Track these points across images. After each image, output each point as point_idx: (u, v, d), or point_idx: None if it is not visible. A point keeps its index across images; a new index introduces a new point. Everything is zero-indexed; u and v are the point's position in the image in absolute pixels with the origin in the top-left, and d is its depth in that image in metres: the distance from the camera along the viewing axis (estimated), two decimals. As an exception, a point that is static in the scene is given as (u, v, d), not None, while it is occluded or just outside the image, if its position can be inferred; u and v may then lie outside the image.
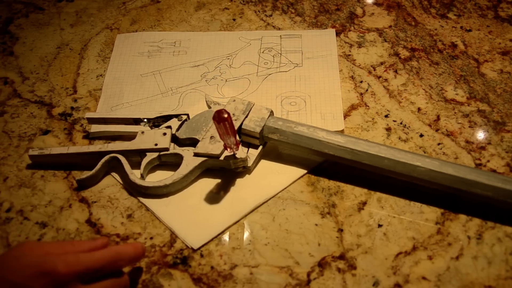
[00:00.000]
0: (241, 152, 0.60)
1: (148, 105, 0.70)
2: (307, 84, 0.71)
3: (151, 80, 0.73)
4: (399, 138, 0.65)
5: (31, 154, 0.63)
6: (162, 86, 0.72)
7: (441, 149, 0.63)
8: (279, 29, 0.80)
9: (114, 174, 0.62)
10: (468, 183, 0.55)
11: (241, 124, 0.62)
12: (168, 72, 0.74)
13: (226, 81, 0.73)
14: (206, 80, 0.73)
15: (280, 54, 0.75)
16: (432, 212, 0.57)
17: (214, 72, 0.74)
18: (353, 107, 0.69)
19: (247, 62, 0.75)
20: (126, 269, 0.54)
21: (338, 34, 0.79)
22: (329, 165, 0.62)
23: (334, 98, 0.69)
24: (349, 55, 0.76)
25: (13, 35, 0.80)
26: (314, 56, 0.75)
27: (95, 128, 0.67)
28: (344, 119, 0.67)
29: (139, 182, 0.59)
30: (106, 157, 0.61)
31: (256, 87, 0.71)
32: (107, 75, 0.74)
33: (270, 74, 0.73)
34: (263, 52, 0.76)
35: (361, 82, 0.72)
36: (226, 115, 0.54)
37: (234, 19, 0.82)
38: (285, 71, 0.73)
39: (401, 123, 0.67)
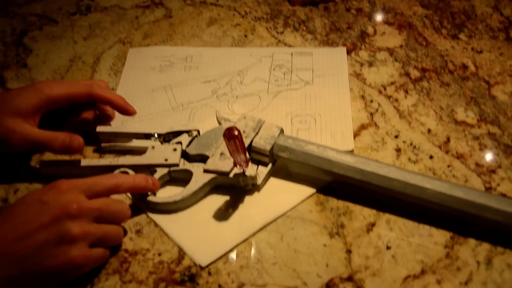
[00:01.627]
0: (251, 169, 0.60)
1: (159, 119, 0.70)
2: (317, 102, 0.71)
3: (162, 94, 0.73)
4: (409, 159, 0.65)
5: (42, 166, 0.63)
6: (173, 101, 0.73)
7: (450, 171, 0.63)
8: (290, 46, 0.80)
9: (124, 188, 0.62)
10: (477, 207, 0.55)
11: (251, 141, 0.62)
12: (179, 87, 0.74)
13: (236, 97, 0.73)
14: (217, 96, 0.73)
15: (291, 71, 0.76)
16: (441, 236, 0.57)
17: (225, 88, 0.74)
18: (363, 127, 0.69)
19: (258, 79, 0.75)
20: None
21: (349, 52, 0.79)
22: (338, 185, 0.62)
23: (344, 117, 0.69)
24: (360, 74, 0.76)
25: (27, 47, 0.81)
26: (324, 74, 0.75)
27: (105, 142, 0.67)
28: (354, 138, 0.67)
29: (149, 197, 0.60)
30: (116, 171, 0.61)
31: (267, 104, 0.71)
32: (119, 89, 0.74)
33: (280, 92, 0.73)
34: (274, 69, 0.76)
35: (372, 101, 0.72)
36: (236, 133, 0.54)
37: (245, 35, 0.82)
38: (296, 89, 0.73)
39: (411, 144, 0.66)
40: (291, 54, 0.78)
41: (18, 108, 0.59)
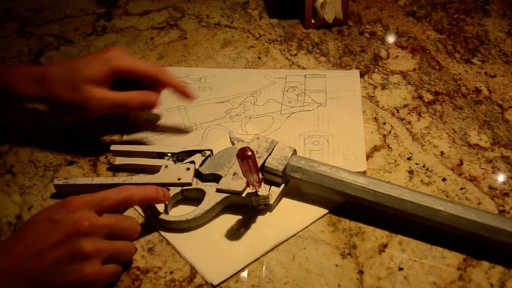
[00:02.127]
0: (263, 189, 0.61)
1: (172, 139, 0.72)
2: (330, 124, 0.73)
3: (176, 114, 0.75)
4: (422, 181, 0.66)
5: (56, 183, 0.64)
6: (186, 120, 0.75)
7: (463, 194, 0.64)
8: (304, 68, 0.82)
9: (136, 206, 0.64)
10: (491, 229, 0.56)
11: (264, 161, 0.63)
12: (193, 108, 0.76)
13: (250, 118, 0.75)
14: (230, 117, 0.75)
15: (304, 93, 0.77)
16: (454, 258, 0.58)
17: (238, 109, 0.76)
18: (375, 148, 0.70)
19: (271, 100, 0.77)
20: None
21: (362, 75, 0.80)
22: (351, 205, 0.63)
23: (357, 139, 0.70)
24: (373, 96, 0.77)
25: (43, 67, 0.84)
26: (338, 97, 0.76)
27: (119, 160, 0.69)
28: (367, 160, 0.68)
29: (161, 215, 0.61)
30: (129, 189, 0.63)
31: (280, 125, 0.73)
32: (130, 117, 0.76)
33: (293, 113, 0.75)
34: (287, 91, 0.78)
35: (384, 123, 0.73)
36: (250, 153, 0.55)
37: (259, 57, 0.84)
38: (309, 110, 0.75)
39: (423, 166, 0.68)
40: (304, 76, 0.80)
41: (91, 76, 0.64)
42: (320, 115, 0.74)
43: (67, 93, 0.64)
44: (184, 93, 0.70)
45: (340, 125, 0.72)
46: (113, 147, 0.68)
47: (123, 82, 0.68)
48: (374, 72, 0.81)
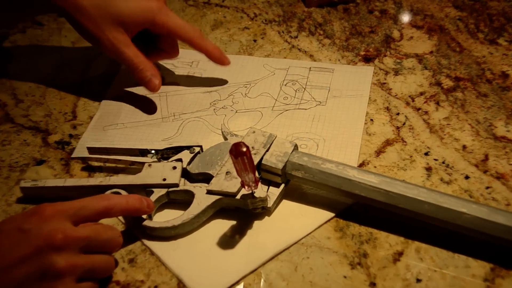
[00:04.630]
0: (261, 190, 0.61)
1: (144, 129, 0.72)
2: (325, 126, 0.72)
3: (156, 101, 0.76)
4: (441, 180, 0.65)
5: (23, 186, 0.64)
6: (165, 110, 0.75)
7: (489, 193, 0.63)
8: (305, 52, 0.81)
9: (116, 211, 0.63)
10: (521, 234, 0.55)
11: (261, 159, 0.63)
12: (175, 96, 0.76)
13: (236, 112, 0.74)
14: (214, 109, 0.75)
15: (304, 89, 0.77)
16: (480, 267, 0.57)
17: (225, 101, 0.76)
18: (388, 143, 0.69)
19: (265, 94, 0.76)
20: None
21: (372, 59, 0.80)
22: (360, 208, 0.62)
23: (351, 146, 0.69)
24: (384, 83, 0.77)
25: (8, 53, 0.83)
26: (341, 95, 0.76)
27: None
28: (378, 156, 0.68)
29: (145, 222, 0.60)
30: (107, 193, 0.62)
31: (267, 123, 0.73)
32: (109, 92, 0.77)
33: (287, 110, 0.74)
34: (285, 85, 0.77)
35: (398, 114, 0.73)
36: (244, 149, 0.55)
37: (255, 40, 0.83)
38: (305, 109, 0.74)
39: (443, 163, 0.67)
40: (309, 69, 0.80)
41: (124, 18, 0.70)
42: (316, 115, 0.73)
43: (88, 22, 0.69)
44: (218, 60, 0.75)
45: (337, 128, 0.71)
46: (89, 144, 0.67)
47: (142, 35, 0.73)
48: (385, 56, 0.80)
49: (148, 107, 0.75)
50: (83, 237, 0.53)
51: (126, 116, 0.74)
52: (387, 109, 0.73)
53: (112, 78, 0.79)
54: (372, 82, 0.76)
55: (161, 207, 0.63)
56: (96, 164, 0.69)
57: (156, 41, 0.75)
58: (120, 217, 0.63)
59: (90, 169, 0.68)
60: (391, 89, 0.76)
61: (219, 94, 0.76)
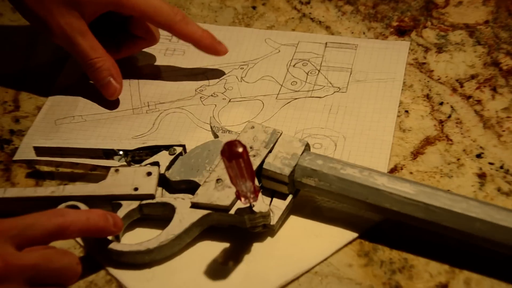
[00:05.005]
0: (262, 203, 0.61)
1: (109, 123, 0.73)
2: (346, 119, 0.73)
3: (125, 88, 0.76)
4: (499, 190, 0.66)
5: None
6: (136, 99, 0.75)
7: (561, 208, 0.64)
8: (320, 22, 0.82)
9: (72, 231, 0.64)
10: None
11: (262, 162, 0.63)
12: (149, 81, 0.77)
13: (229, 101, 0.75)
14: (201, 97, 0.75)
15: (318, 71, 0.77)
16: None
17: (216, 87, 0.76)
18: (428, 141, 0.70)
19: (267, 77, 0.77)
20: None
21: (407, 32, 0.80)
22: (392, 227, 0.63)
23: (380, 145, 0.70)
24: (424, 63, 0.77)
25: None
26: (367, 79, 0.76)
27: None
28: (415, 158, 0.68)
29: (111, 245, 0.61)
30: (62, 206, 0.63)
31: (271, 115, 0.73)
32: (62, 75, 0.78)
33: (295, 99, 0.75)
34: (294, 66, 0.78)
35: (441, 104, 0.73)
36: (240, 149, 0.55)
37: (254, 7, 0.84)
38: (319, 97, 0.75)
39: (501, 168, 0.68)
40: (325, 44, 0.80)
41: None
42: (334, 105, 0.74)
43: (33, 2, 0.70)
44: (209, 49, 0.76)
45: (361, 123, 0.72)
46: (36, 143, 0.68)
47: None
48: (425, 27, 0.81)
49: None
50: (29, 266, 0.53)
51: (85, 107, 0.74)
52: (427, 97, 0.74)
53: (68, 56, 0.79)
54: (407, 62, 0.77)
55: (131, 225, 0.63)
56: (46, 169, 0.69)
57: (128, 26, 0.76)
58: (79, 239, 0.63)
59: (38, 176, 0.69)
60: (432, 71, 0.77)
61: (207, 77, 0.77)
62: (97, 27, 0.73)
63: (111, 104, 0.75)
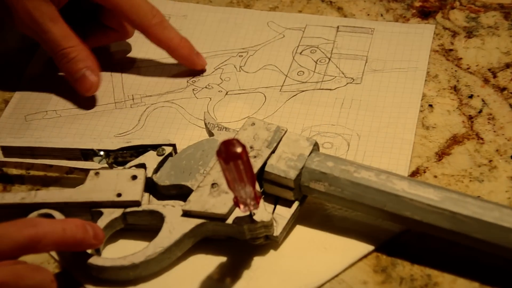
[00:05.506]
0: (263, 211, 0.61)
1: (88, 120, 0.74)
2: (360, 114, 0.73)
3: (106, 79, 0.77)
4: (538, 197, 0.66)
5: None
6: (119, 91, 0.76)
7: None
8: (331, 3, 0.82)
9: (47, 243, 0.64)
10: None
11: (264, 164, 0.64)
12: (134, 70, 0.78)
13: (226, 94, 0.75)
14: (194, 90, 0.76)
15: (329, 59, 0.78)
16: None
17: (210, 77, 0.77)
18: (455, 140, 0.70)
19: (270, 67, 0.78)
20: None
21: (433, 14, 0.81)
22: (413, 238, 0.63)
23: (400, 145, 0.70)
24: (451, 50, 0.78)
25: None
26: (385, 69, 0.77)
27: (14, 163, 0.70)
28: (440, 160, 0.69)
29: (91, 259, 0.61)
30: (33, 215, 0.63)
31: (274, 110, 0.74)
32: (33, 63, 0.79)
33: (303, 91, 0.75)
34: (301, 53, 0.79)
35: (471, 97, 0.74)
36: (239, 149, 0.55)
37: (255, -15, 0.84)
38: (330, 89, 0.75)
39: (539, 170, 0.68)
40: (337, 28, 0.81)
41: None
42: (347, 98, 0.74)
43: None
44: (186, 61, 0.76)
45: (378, 119, 0.73)
46: (3, 142, 0.68)
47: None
48: (453, 8, 0.81)
49: None
50: None
51: (59, 100, 0.75)
52: (455, 89, 0.74)
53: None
54: (431, 49, 0.78)
55: (114, 237, 0.64)
56: (15, 172, 0.70)
57: (99, 15, 0.76)
58: (53, 253, 0.64)
59: (5, 180, 0.69)
60: (461, 58, 0.77)
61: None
62: (63, 13, 0.73)
63: (90, 98, 0.75)
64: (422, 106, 0.73)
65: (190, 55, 0.75)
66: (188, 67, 0.76)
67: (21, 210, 0.63)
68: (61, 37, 0.72)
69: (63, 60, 0.72)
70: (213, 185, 0.63)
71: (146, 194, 0.65)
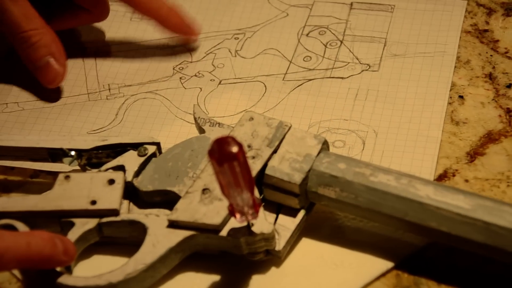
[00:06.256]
0: (264, 222, 0.62)
1: (56, 113, 0.75)
2: (377, 107, 0.75)
3: (78, 66, 0.79)
4: None
5: None
6: (93, 80, 0.78)
7: None
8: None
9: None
10: None
11: (265, 165, 0.65)
12: (111, 57, 0.80)
13: (220, 83, 0.77)
14: (181, 78, 0.77)
15: (341, 42, 0.79)
16: None
17: (201, 64, 0.79)
18: (490, 138, 0.72)
19: (271, 51, 0.79)
20: None
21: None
22: (439, 253, 0.64)
23: (424, 143, 0.71)
24: (486, 30, 0.80)
25: None
26: (407, 53, 0.78)
27: None
28: (472, 161, 0.70)
29: (61, 278, 0.62)
30: (-8, 226, 0.64)
31: (276, 102, 0.76)
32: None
33: (310, 80, 0.77)
34: (307, 34, 0.80)
35: (509, 86, 0.76)
36: (235, 149, 0.56)
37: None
38: (342, 78, 0.77)
39: None
40: (350, 5, 0.82)
41: None
42: (362, 88, 0.76)
43: None
44: (177, 29, 0.78)
45: (398, 112, 0.74)
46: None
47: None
48: (489, -18, 0.82)
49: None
50: None
51: (22, 92, 0.77)
52: (490, 77, 0.76)
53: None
54: (462, 30, 0.79)
55: (88, 251, 0.65)
56: (-29, 176, 0.71)
57: None
58: (16, 271, 0.65)
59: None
60: (497, 41, 0.79)
61: (189, 51, 0.80)
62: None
63: (58, 88, 0.77)
64: (451, 97, 0.75)
65: (181, 24, 0.77)
66: (181, 36, 0.78)
67: (-22, 221, 0.64)
68: (22, 17, 0.73)
69: (24, 45, 0.73)
70: (204, 190, 0.64)
71: (126, 202, 0.66)
